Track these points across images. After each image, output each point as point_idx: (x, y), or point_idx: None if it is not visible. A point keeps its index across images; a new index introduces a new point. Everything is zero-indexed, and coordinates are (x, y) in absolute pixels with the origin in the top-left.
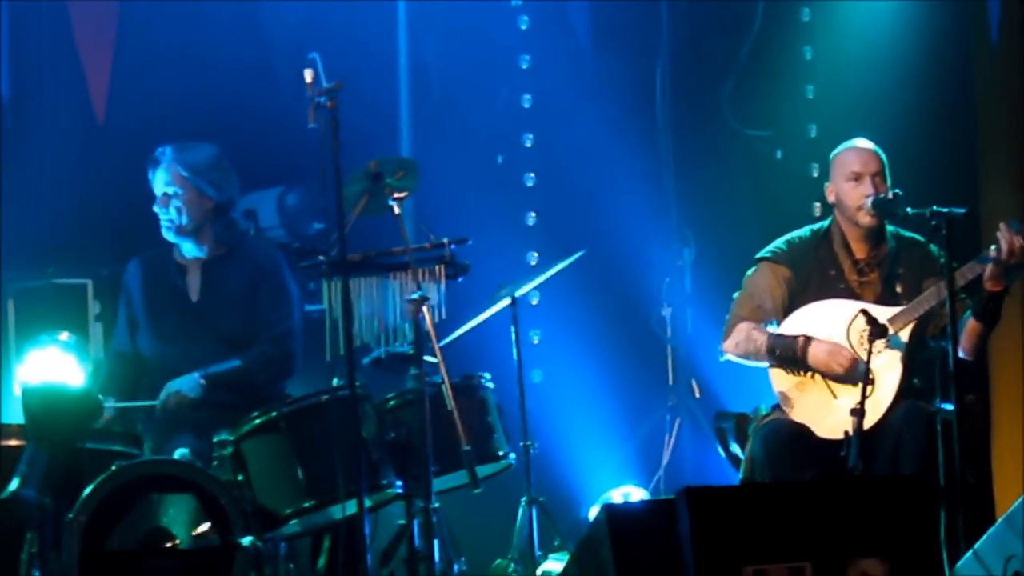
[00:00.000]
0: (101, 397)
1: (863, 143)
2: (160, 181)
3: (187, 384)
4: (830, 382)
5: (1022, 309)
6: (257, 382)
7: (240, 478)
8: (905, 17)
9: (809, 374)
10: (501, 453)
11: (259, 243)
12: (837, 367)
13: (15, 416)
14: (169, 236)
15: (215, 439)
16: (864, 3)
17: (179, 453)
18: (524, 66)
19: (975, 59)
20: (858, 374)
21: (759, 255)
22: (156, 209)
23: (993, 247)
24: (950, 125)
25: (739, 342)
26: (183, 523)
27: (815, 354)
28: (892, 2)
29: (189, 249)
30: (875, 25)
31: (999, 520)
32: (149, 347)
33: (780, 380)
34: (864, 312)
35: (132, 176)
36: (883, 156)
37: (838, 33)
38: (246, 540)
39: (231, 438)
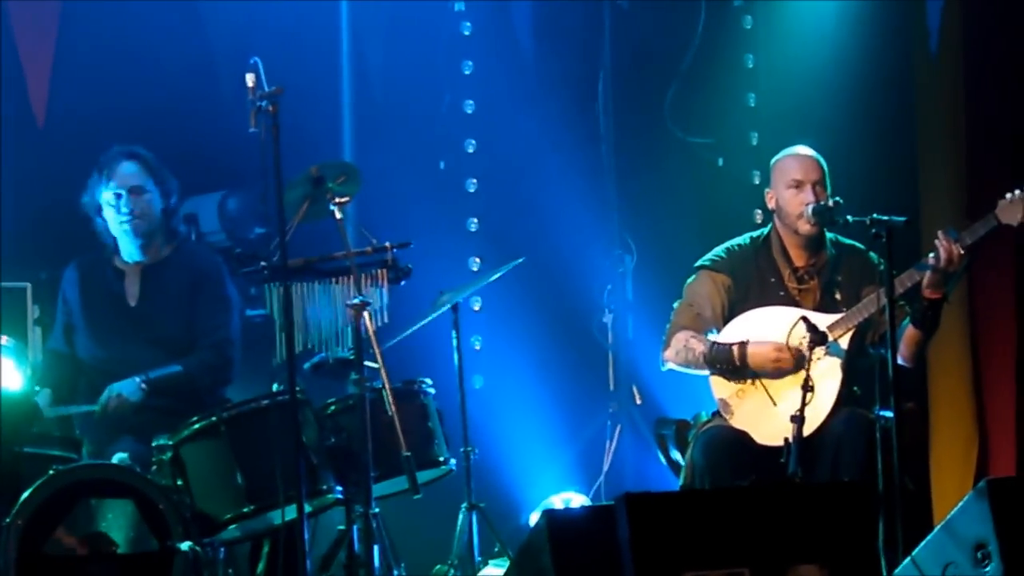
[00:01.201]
0: (40, 399)
1: (804, 150)
2: (128, 174)
3: (128, 388)
4: (770, 389)
5: (960, 317)
6: (197, 387)
7: (179, 483)
8: (846, 26)
9: (749, 380)
10: (441, 459)
11: (199, 249)
12: (782, 364)
13: None
14: (126, 231)
15: (154, 443)
16: (806, 12)
17: (118, 457)
18: (467, 71)
19: (915, 69)
20: (801, 367)
21: (698, 263)
22: (117, 204)
23: (932, 255)
24: (890, 134)
25: (679, 351)
26: (121, 528)
27: (754, 356)
28: (834, 11)
29: (131, 253)
30: (816, 34)
31: (937, 527)
32: (87, 351)
33: (720, 387)
34: (804, 319)
35: (72, 180)
36: (823, 163)
37: (780, 41)
38: (185, 545)
39: (170, 443)
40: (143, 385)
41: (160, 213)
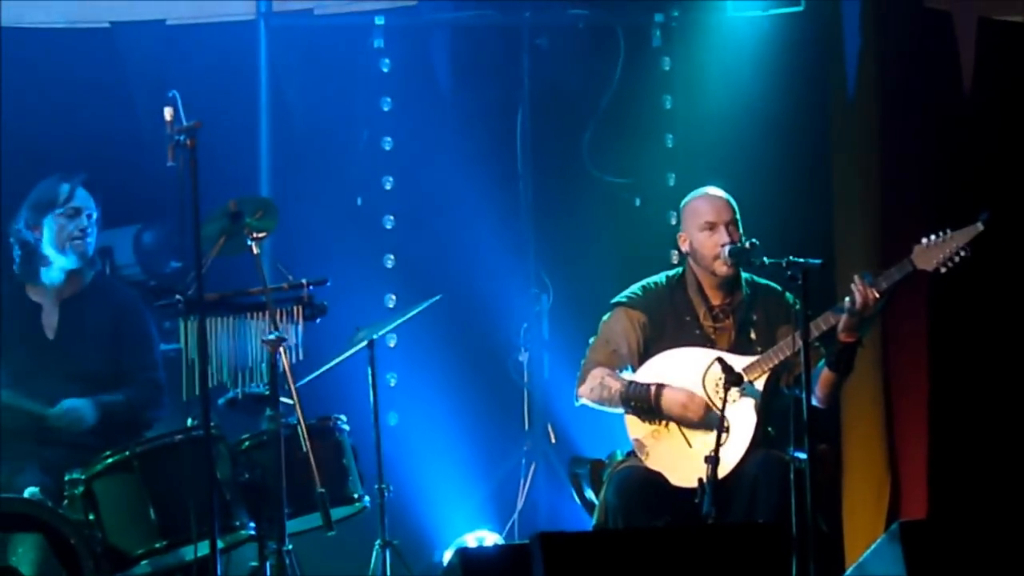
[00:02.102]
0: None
1: (714, 191)
2: (84, 197)
3: (85, 408)
4: (685, 430)
5: (874, 359)
6: (137, 419)
7: (91, 517)
8: (765, 69)
9: (664, 422)
10: (356, 496)
11: (116, 283)
12: (690, 414)
13: None
14: (73, 250)
15: (67, 478)
16: (724, 55)
17: (29, 491)
18: (385, 108)
19: (832, 114)
20: (711, 421)
21: (615, 300)
22: (74, 221)
23: (847, 299)
24: (807, 177)
25: (594, 388)
26: (31, 562)
27: (668, 401)
28: (752, 55)
29: (56, 276)
30: (735, 76)
31: (849, 569)
32: (8, 387)
33: (635, 427)
34: (720, 360)
35: None
36: (734, 204)
37: (698, 83)
38: None
39: (83, 477)
40: (97, 409)
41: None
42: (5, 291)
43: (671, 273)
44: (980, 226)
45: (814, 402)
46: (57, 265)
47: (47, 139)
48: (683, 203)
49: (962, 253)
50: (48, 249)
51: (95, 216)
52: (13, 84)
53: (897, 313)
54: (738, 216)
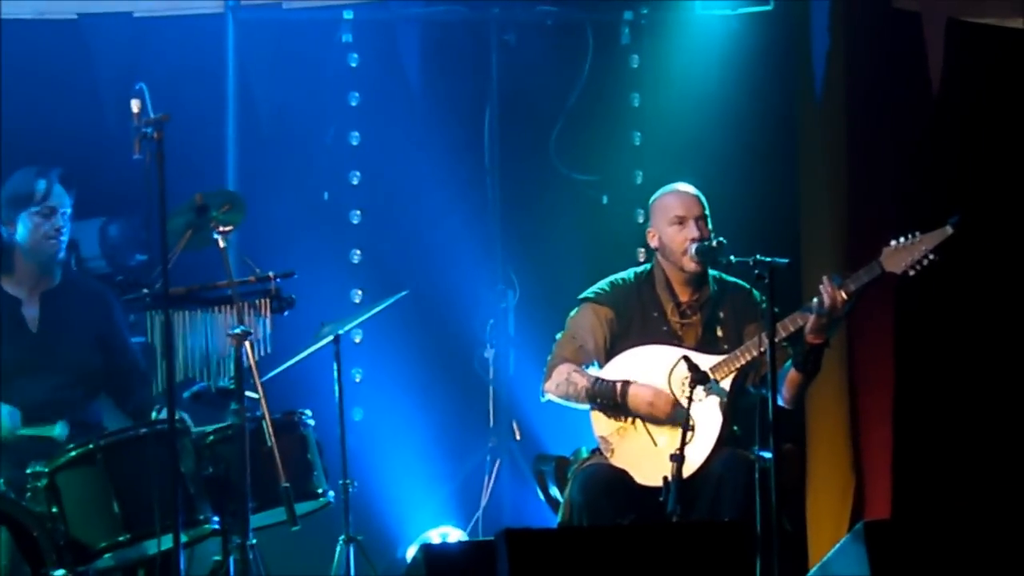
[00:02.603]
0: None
1: (684, 187)
2: (60, 193)
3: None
4: (651, 428)
5: (839, 360)
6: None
7: (54, 510)
8: (733, 68)
9: (630, 419)
10: (320, 491)
11: (85, 277)
12: (657, 412)
13: None
14: (52, 247)
15: (29, 470)
16: (693, 53)
17: None
18: (353, 103)
19: (799, 114)
20: (677, 419)
21: (582, 296)
22: (51, 220)
23: (815, 300)
24: (774, 176)
25: (559, 383)
26: None
27: (635, 398)
28: (720, 54)
29: (32, 274)
30: (703, 75)
31: (813, 568)
32: None
33: (601, 425)
34: (685, 358)
35: None
36: (704, 201)
37: (666, 81)
38: (59, 573)
39: (46, 469)
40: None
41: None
42: None
43: (639, 269)
44: (949, 229)
45: (780, 402)
46: (31, 260)
47: (13, 131)
48: (652, 199)
49: (931, 256)
50: (22, 243)
51: (69, 213)
52: None
53: (862, 313)
54: (707, 212)
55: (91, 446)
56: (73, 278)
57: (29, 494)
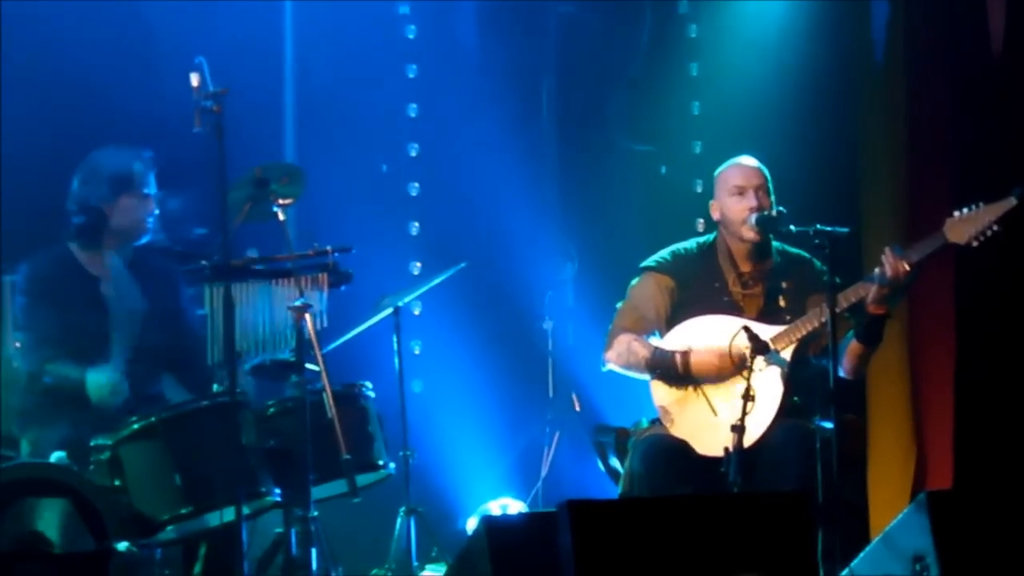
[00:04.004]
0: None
1: (746, 159)
2: (153, 185)
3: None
4: (711, 398)
5: (900, 330)
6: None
7: (117, 483)
8: (791, 36)
9: (691, 388)
10: (381, 463)
11: (155, 253)
12: (725, 372)
13: None
14: (148, 229)
15: (92, 443)
16: (751, 22)
17: (56, 456)
18: (411, 75)
19: (859, 80)
20: (737, 390)
21: (643, 264)
22: (141, 212)
23: (877, 270)
24: (834, 145)
25: (620, 353)
26: (58, 527)
27: (697, 363)
28: (779, 22)
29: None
30: (761, 44)
31: (875, 539)
32: (56, 354)
33: (661, 394)
34: (746, 328)
35: (16, 176)
36: (766, 172)
37: (724, 50)
38: (122, 546)
39: (109, 443)
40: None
41: None
42: (52, 258)
43: (701, 240)
44: (1014, 200)
45: (841, 373)
46: (117, 239)
47: (73, 107)
48: (716, 172)
49: (995, 227)
50: (114, 224)
51: (154, 194)
52: (40, 51)
53: (923, 284)
54: (770, 185)
55: (153, 419)
56: (143, 255)
57: (92, 467)
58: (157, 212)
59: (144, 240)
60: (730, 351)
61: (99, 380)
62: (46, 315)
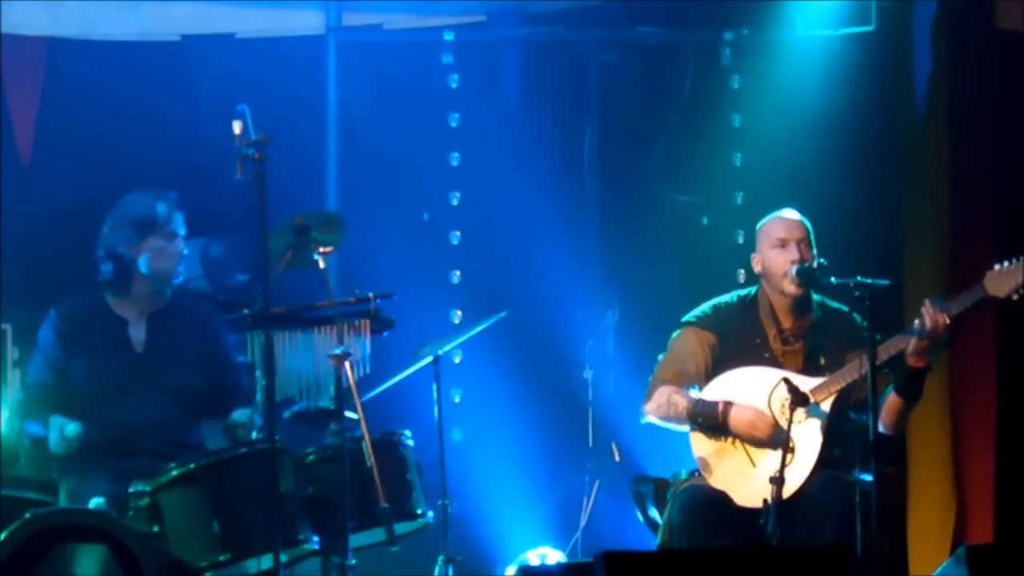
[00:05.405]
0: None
1: (789, 212)
2: (180, 220)
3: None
4: (750, 449)
5: (940, 383)
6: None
7: (156, 529)
8: (834, 88)
9: (730, 440)
10: (419, 511)
11: (194, 297)
12: (758, 432)
13: None
14: (166, 279)
15: (131, 489)
16: (794, 73)
17: (95, 502)
18: (453, 124)
19: (901, 135)
20: (777, 441)
21: (685, 319)
22: (174, 244)
23: (917, 323)
24: (875, 198)
25: (660, 405)
26: (95, 573)
27: (736, 419)
28: (821, 74)
29: (145, 299)
30: (804, 95)
31: None
32: (89, 399)
33: (700, 445)
34: (785, 380)
35: (55, 220)
36: (808, 225)
37: (767, 102)
38: None
39: (148, 489)
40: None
41: None
42: (80, 305)
43: (743, 292)
44: None
45: (881, 428)
46: (148, 283)
47: (115, 151)
48: (758, 225)
49: None
50: (143, 268)
51: (183, 235)
52: (84, 95)
53: (964, 337)
54: (812, 237)
55: (192, 466)
56: (181, 299)
57: (131, 513)
58: (187, 252)
59: (177, 281)
60: (769, 403)
61: (64, 429)
62: (72, 359)
